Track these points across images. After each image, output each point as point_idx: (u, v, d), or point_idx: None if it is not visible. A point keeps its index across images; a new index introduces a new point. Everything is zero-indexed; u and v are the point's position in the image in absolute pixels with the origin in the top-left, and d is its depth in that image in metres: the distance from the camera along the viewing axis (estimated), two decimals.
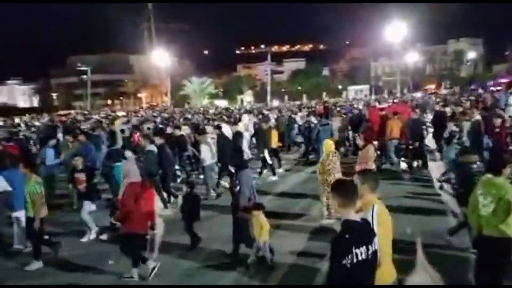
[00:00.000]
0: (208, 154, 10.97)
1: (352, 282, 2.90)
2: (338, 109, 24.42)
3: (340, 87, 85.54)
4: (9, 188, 7.55)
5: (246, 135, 14.87)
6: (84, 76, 73.72)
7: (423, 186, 10.90)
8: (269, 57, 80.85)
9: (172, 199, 10.18)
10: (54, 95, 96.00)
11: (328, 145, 8.45)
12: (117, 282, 6.29)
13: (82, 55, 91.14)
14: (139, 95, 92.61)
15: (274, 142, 13.84)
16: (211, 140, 11.65)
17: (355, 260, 2.88)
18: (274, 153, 13.59)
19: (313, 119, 16.43)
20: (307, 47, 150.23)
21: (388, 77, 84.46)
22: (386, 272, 3.42)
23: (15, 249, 7.81)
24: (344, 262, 2.86)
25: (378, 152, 12.40)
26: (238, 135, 13.36)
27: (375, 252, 3.09)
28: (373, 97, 52.44)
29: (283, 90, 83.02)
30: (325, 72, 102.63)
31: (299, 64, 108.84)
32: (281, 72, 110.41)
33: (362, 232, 3.08)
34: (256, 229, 6.35)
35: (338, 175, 7.88)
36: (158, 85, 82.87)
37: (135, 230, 6.16)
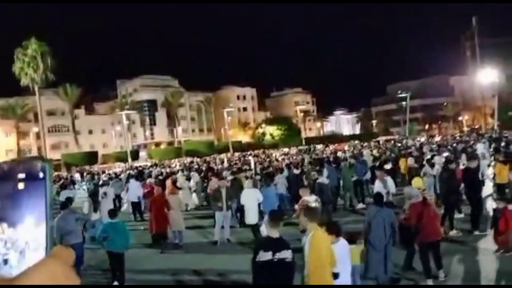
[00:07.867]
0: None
1: (261, 274, 4.87)
2: None
3: None
4: None
5: None
6: (403, 103, 75.39)
7: None
8: None
9: None
10: (374, 122, 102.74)
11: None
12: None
13: (402, 81, 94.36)
14: (459, 118, 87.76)
15: None
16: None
17: (262, 259, 4.82)
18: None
19: None
20: None
21: None
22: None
23: None
24: (256, 258, 4.88)
25: None
26: None
27: (282, 260, 4.83)
28: None
29: None
30: None
31: None
32: None
33: (271, 243, 5.02)
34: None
35: None
36: (482, 106, 75.78)
37: None
